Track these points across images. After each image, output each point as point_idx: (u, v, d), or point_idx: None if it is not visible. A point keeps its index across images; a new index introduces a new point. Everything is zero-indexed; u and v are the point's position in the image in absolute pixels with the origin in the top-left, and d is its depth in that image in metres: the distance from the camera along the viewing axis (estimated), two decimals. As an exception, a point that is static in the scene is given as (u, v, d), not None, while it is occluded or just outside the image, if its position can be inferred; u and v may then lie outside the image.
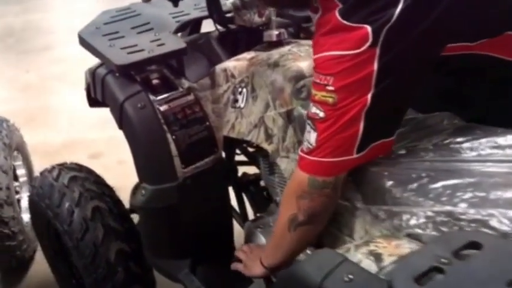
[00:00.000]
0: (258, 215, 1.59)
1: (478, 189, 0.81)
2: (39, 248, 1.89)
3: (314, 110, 0.93)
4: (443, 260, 0.63)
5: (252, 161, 1.60)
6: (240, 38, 1.47)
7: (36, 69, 4.20)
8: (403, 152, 0.98)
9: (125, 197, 1.53)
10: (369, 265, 0.76)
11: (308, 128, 0.95)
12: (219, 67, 1.37)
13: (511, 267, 0.61)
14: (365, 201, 0.96)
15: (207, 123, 1.36)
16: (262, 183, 1.65)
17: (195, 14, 1.48)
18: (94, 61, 1.42)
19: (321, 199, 0.97)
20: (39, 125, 3.27)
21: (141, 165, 1.31)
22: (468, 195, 0.81)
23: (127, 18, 1.51)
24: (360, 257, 0.78)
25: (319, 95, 0.91)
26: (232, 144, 1.51)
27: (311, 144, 0.94)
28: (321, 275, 0.67)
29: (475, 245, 0.66)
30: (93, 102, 1.52)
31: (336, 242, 1.09)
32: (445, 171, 0.89)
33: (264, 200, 1.65)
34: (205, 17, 1.44)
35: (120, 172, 2.68)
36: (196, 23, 1.51)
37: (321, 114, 0.91)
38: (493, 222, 0.74)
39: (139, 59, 1.26)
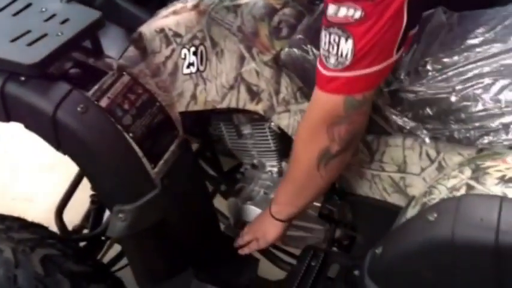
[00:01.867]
0: (224, 187, 1.38)
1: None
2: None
3: (344, 12, 0.74)
4: None
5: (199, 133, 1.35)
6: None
7: None
8: (440, 63, 0.87)
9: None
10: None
11: (332, 38, 0.77)
12: (148, 29, 1.06)
13: None
14: (429, 128, 0.84)
15: (157, 103, 1.06)
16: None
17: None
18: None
19: (359, 119, 0.84)
20: None
21: (107, 185, 0.97)
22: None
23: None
24: (499, 189, 0.67)
25: None
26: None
27: (345, 58, 0.76)
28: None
29: None
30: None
31: (379, 184, 0.97)
32: (504, 66, 0.81)
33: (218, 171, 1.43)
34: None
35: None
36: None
37: (358, 14, 0.73)
38: None
39: (52, 48, 0.89)
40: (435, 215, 0.68)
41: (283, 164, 1.24)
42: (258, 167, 1.27)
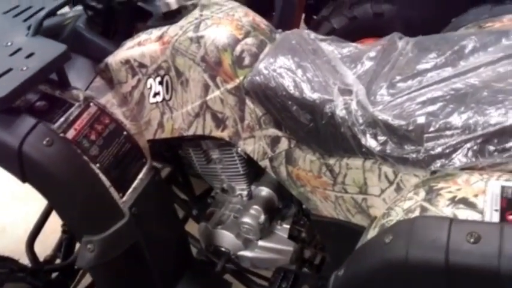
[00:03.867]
0: (196, 212, 1.39)
1: (508, 95, 0.79)
2: None
3: None
4: None
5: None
6: (111, 17, 1.18)
7: None
8: (394, 87, 0.91)
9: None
10: (470, 215, 0.69)
11: None
12: (113, 61, 1.08)
13: None
14: (387, 149, 0.87)
15: (125, 132, 1.08)
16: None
17: (46, 4, 1.11)
18: None
19: None
20: None
21: (74, 216, 0.98)
22: (507, 103, 0.78)
23: None
24: (450, 210, 0.71)
25: None
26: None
27: None
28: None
29: None
30: None
31: (343, 205, 0.99)
32: (453, 90, 0.85)
33: (190, 195, 1.44)
34: (65, 3, 1.09)
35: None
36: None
37: None
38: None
39: (18, 82, 0.90)
40: (390, 237, 0.71)
41: (252, 187, 1.26)
42: (228, 191, 1.29)
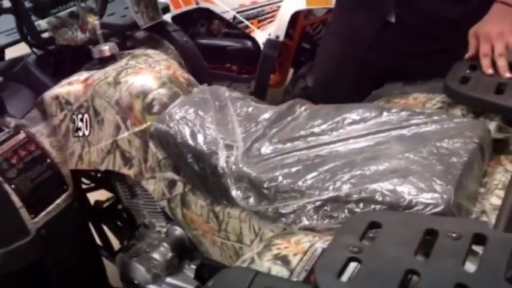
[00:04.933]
0: (126, 243, 1.47)
1: (352, 168, 0.86)
2: None
3: None
4: (355, 249, 0.65)
5: (101, 185, 1.47)
6: (61, 57, 1.32)
7: None
8: (271, 147, 0.99)
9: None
10: (280, 271, 0.75)
11: None
12: (48, 95, 1.21)
13: (412, 237, 0.66)
14: (248, 203, 0.95)
15: (48, 160, 1.19)
16: (119, 206, 1.54)
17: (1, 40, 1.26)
18: None
19: None
20: None
21: (-20, 229, 1.09)
22: (346, 176, 0.85)
23: None
24: (268, 264, 0.77)
25: None
26: (77, 174, 1.35)
27: None
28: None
29: (375, 225, 0.69)
30: None
31: (227, 251, 1.06)
32: (316, 157, 0.93)
33: (127, 225, 1.53)
34: (17, 42, 1.24)
35: None
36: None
37: None
38: (378, 197, 0.79)
39: None
40: (211, 283, 0.77)
41: (169, 225, 1.34)
42: (148, 226, 1.37)
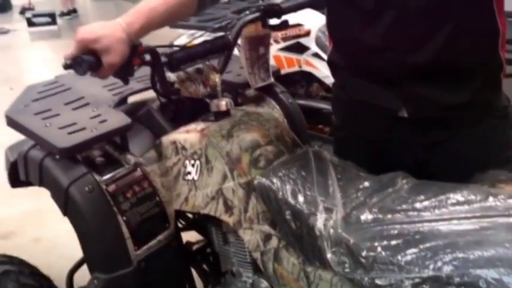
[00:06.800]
0: (210, 287, 1.53)
1: (455, 250, 0.86)
2: None
3: None
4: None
5: (192, 227, 1.55)
6: (181, 107, 1.45)
7: None
8: (371, 217, 1.01)
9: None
10: None
11: None
12: (166, 139, 1.33)
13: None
14: (344, 268, 0.96)
15: (157, 198, 1.29)
16: (207, 250, 1.60)
17: (134, 86, 1.42)
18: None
19: None
20: None
21: (91, 253, 1.20)
22: (448, 257, 0.84)
23: (57, 93, 1.42)
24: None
25: None
26: (177, 214, 1.45)
27: None
28: None
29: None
30: (16, 182, 1.39)
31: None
32: (417, 233, 0.93)
33: (212, 269, 1.59)
34: (147, 89, 1.40)
35: (38, 251, 2.45)
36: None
37: None
38: (482, 284, 0.77)
39: (83, 139, 1.18)
40: None
41: (255, 277, 1.37)
42: (235, 275, 1.42)
